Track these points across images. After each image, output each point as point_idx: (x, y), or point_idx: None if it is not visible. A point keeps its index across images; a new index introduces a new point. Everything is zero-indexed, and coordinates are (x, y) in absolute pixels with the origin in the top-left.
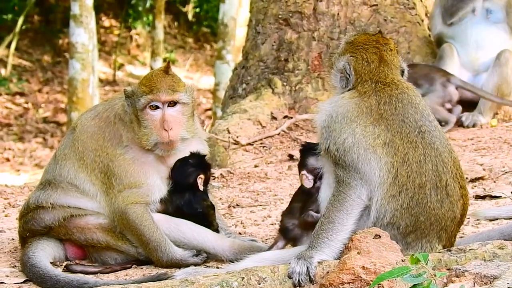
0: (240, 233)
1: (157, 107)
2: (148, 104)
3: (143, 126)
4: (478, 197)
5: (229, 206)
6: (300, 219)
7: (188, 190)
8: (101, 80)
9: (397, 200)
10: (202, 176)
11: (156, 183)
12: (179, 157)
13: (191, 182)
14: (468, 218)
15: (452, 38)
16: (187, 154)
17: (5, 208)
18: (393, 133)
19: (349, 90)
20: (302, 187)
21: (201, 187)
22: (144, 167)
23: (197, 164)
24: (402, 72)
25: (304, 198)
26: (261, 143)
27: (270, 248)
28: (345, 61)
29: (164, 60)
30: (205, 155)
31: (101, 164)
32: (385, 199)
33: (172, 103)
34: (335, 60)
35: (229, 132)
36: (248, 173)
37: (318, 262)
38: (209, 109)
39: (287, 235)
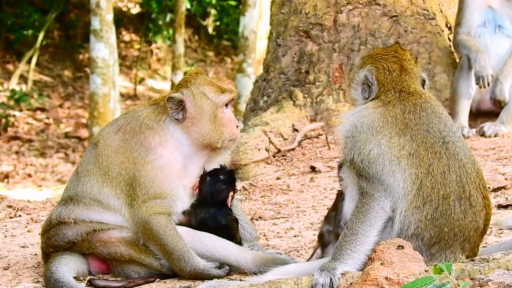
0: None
1: (226, 106)
2: (229, 102)
3: (220, 125)
4: (500, 206)
5: (251, 219)
6: (334, 229)
7: (214, 204)
8: (122, 95)
9: (421, 212)
10: (232, 193)
11: (179, 193)
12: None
13: (223, 199)
14: (491, 228)
15: None
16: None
17: (27, 223)
18: (418, 144)
19: (371, 100)
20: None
21: (229, 204)
22: (171, 176)
23: (227, 181)
24: (423, 82)
25: (340, 205)
26: (282, 155)
27: (310, 257)
28: (366, 72)
29: (185, 74)
30: (233, 170)
31: (127, 176)
32: (409, 210)
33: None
34: (354, 74)
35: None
36: (270, 185)
37: (342, 274)
38: None
39: (320, 240)
